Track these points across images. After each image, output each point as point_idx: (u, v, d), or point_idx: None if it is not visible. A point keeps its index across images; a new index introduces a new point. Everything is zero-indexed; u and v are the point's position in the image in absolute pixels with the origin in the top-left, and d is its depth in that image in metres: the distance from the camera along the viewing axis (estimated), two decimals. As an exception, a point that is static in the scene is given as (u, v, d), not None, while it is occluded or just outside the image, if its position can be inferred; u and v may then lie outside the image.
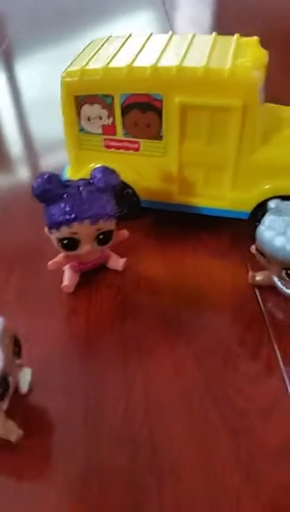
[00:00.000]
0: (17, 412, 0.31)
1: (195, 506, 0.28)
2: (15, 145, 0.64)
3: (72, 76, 0.41)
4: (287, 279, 0.37)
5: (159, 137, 0.42)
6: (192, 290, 0.41)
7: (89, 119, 0.43)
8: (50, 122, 0.64)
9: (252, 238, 0.38)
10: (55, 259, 0.39)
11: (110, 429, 0.32)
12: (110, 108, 0.42)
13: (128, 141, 0.43)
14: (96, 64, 0.41)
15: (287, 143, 0.42)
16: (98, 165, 0.39)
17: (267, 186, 0.42)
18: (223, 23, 0.98)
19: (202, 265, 0.43)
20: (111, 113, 0.42)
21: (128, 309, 0.40)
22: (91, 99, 0.41)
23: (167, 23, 0.96)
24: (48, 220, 0.37)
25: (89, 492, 0.29)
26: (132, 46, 0.44)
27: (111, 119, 0.42)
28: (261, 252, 0.37)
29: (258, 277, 0.41)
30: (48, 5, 1.12)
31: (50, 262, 0.39)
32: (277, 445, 0.30)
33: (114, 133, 0.43)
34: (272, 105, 0.46)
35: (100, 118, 0.42)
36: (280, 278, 0.38)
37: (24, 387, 0.31)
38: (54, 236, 0.37)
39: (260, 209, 0.43)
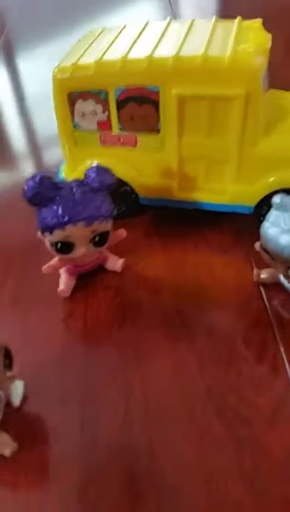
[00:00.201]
0: (10, 423, 0.31)
1: (196, 520, 0.27)
2: (14, 141, 0.63)
3: (64, 72, 0.40)
4: (293, 277, 0.35)
5: (156, 130, 0.41)
6: (194, 289, 0.40)
7: (83, 115, 0.41)
8: (50, 117, 0.63)
9: (256, 233, 0.37)
10: (50, 262, 0.38)
11: (107, 439, 0.31)
12: (104, 102, 0.40)
13: (124, 136, 0.42)
14: (89, 58, 0.40)
15: (292, 132, 0.40)
16: (92, 164, 0.38)
17: (271, 179, 0.41)
18: (228, 7, 0.95)
19: (204, 263, 0.42)
20: (106, 108, 0.40)
21: (127, 311, 0.38)
22: (85, 94, 0.40)
23: (171, 13, 0.94)
24: (40, 223, 0.36)
25: (86, 504, 0.28)
26: (127, 36, 0.42)
27: (106, 114, 0.41)
28: (265, 250, 0.36)
29: (263, 275, 0.39)
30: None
31: (45, 266, 0.38)
32: (283, 455, 0.29)
33: (110, 128, 0.41)
34: (275, 91, 0.44)
35: (95, 113, 0.41)
36: (286, 276, 0.36)
37: (16, 401, 0.31)
38: (47, 240, 0.36)
39: (265, 204, 0.41)
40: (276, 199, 0.36)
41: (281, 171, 0.40)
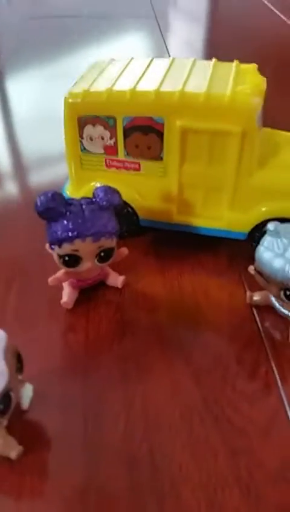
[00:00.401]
0: (15, 428, 0.31)
1: (195, 525, 0.28)
2: (8, 160, 0.65)
3: (76, 97, 0.42)
4: (285, 299, 0.37)
5: (159, 158, 0.43)
6: (190, 309, 0.42)
7: (91, 139, 0.44)
8: (46, 138, 0.66)
9: (249, 258, 0.39)
10: (56, 275, 0.40)
11: (109, 447, 0.32)
12: (112, 129, 0.43)
13: (129, 161, 0.44)
14: (99, 86, 0.42)
15: (284, 167, 0.43)
16: (100, 184, 0.40)
17: (264, 209, 0.43)
18: (216, 46, 1.01)
19: (199, 284, 0.44)
20: (113, 135, 0.43)
21: (126, 327, 0.40)
22: (94, 120, 0.42)
23: (163, 45, 0.99)
24: (49, 236, 0.37)
25: (87, 510, 0.29)
26: (134, 69, 0.45)
27: (113, 140, 0.43)
28: (260, 273, 0.38)
29: (256, 297, 0.41)
30: (42, 23, 1.14)
31: (50, 278, 0.40)
32: (276, 465, 0.31)
33: (115, 154, 0.44)
34: (269, 129, 0.47)
35: (102, 139, 0.43)
36: (278, 298, 0.39)
37: (25, 403, 0.31)
38: (56, 252, 0.38)
39: (257, 230, 0.44)
40: (270, 226, 0.39)
41: (273, 201, 0.43)
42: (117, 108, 0.42)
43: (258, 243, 0.38)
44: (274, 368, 0.37)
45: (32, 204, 0.37)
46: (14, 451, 0.30)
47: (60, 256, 0.38)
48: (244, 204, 0.44)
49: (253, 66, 0.46)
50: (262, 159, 0.43)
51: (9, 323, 0.40)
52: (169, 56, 0.91)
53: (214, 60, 0.46)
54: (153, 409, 0.34)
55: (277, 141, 0.46)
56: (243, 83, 0.42)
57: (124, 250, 0.42)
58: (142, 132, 0.42)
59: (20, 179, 0.61)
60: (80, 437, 0.32)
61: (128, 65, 0.46)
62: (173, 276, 0.45)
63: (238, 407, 0.34)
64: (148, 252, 0.47)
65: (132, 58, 0.48)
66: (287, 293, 0.37)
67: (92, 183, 0.45)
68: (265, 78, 0.44)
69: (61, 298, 0.41)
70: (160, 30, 1.07)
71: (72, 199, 0.39)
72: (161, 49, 0.97)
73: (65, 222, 0.36)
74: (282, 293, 0.37)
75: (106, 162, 0.45)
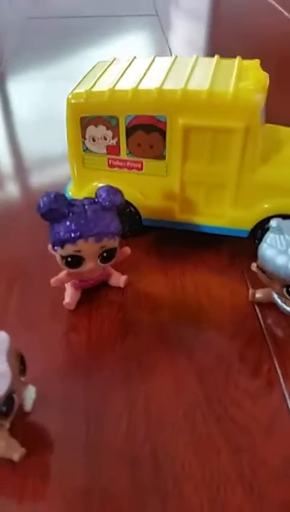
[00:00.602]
0: (17, 430, 0.31)
1: (198, 523, 0.28)
2: (10, 161, 0.65)
3: (78, 98, 0.42)
4: (288, 296, 0.37)
5: (162, 157, 0.43)
6: (192, 307, 0.42)
7: (93, 140, 0.44)
8: (48, 139, 0.66)
9: (251, 255, 0.39)
10: (58, 276, 0.40)
11: (111, 448, 0.32)
12: (115, 129, 0.43)
13: (131, 161, 0.44)
14: (102, 86, 0.42)
15: (286, 163, 0.43)
16: (102, 185, 0.40)
17: (266, 205, 0.43)
18: (218, 43, 1.00)
19: (202, 282, 0.44)
20: (116, 134, 0.43)
21: (129, 326, 0.40)
22: (96, 120, 0.42)
23: (165, 43, 0.99)
24: (52, 237, 0.37)
25: (90, 510, 0.29)
26: (136, 68, 0.45)
27: (116, 140, 0.43)
28: (262, 270, 0.38)
29: (258, 294, 0.41)
30: (44, 24, 1.14)
31: (53, 280, 0.40)
32: (279, 462, 0.31)
33: (118, 153, 0.44)
34: (271, 125, 0.47)
35: (105, 139, 0.43)
36: (281, 295, 0.39)
37: (28, 405, 0.31)
38: (58, 253, 0.38)
39: (259, 228, 0.44)
40: (273, 223, 0.39)
41: (275, 198, 0.43)
42: (119, 108, 0.42)
43: (260, 240, 0.38)
44: (277, 366, 0.37)
45: (34, 205, 0.37)
46: (16, 453, 0.30)
47: (63, 257, 0.38)
48: (246, 201, 0.44)
49: (256, 62, 0.46)
50: (264, 155, 0.43)
51: (11, 324, 0.40)
52: (171, 54, 0.91)
53: (216, 56, 0.46)
54: (155, 408, 0.34)
55: (280, 137, 0.46)
56: (245, 79, 0.42)
57: (127, 250, 0.42)
58: (144, 131, 0.42)
59: (21, 180, 0.61)
60: (82, 438, 0.32)
61: (130, 64, 0.46)
62: (175, 274, 0.45)
63: (241, 405, 0.34)
64: (150, 251, 0.47)
65: (135, 58, 0.48)
66: (290, 290, 0.37)
67: (95, 183, 0.45)
68: (268, 74, 0.44)
69: (63, 299, 0.41)
70: (162, 28, 1.07)
71: (75, 200, 0.39)
72: (163, 47, 0.97)
73: (68, 223, 0.36)
74: (285, 290, 0.37)
75: (108, 162, 0.45)
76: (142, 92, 0.41)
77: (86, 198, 0.39)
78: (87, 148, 0.44)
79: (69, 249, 0.37)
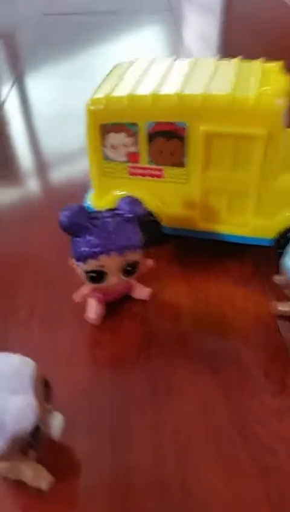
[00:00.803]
0: (44, 455, 0.30)
1: None
2: (26, 160, 0.64)
3: (98, 104, 0.41)
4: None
5: (181, 164, 0.42)
6: (216, 319, 0.41)
7: (113, 148, 0.43)
8: (65, 136, 0.65)
9: (275, 265, 0.38)
10: (81, 291, 0.39)
11: (139, 471, 0.31)
12: (135, 136, 0.42)
13: (152, 168, 0.43)
14: (121, 91, 0.41)
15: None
16: (123, 195, 0.39)
17: (288, 214, 0.42)
18: (232, 39, 0.98)
19: (225, 293, 0.43)
20: (136, 141, 0.42)
21: (153, 340, 0.39)
22: (117, 127, 0.41)
23: (178, 39, 0.97)
24: (74, 253, 0.37)
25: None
26: (156, 71, 0.44)
27: (136, 147, 0.42)
28: (285, 283, 0.37)
29: (281, 307, 0.40)
30: (58, 20, 1.13)
31: (76, 295, 0.39)
32: (310, 485, 0.30)
33: (138, 161, 0.43)
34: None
35: (125, 146, 0.42)
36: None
37: (56, 433, 0.29)
38: (81, 269, 0.37)
39: (282, 237, 0.43)
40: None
41: (299, 206, 0.42)
42: (139, 114, 0.41)
43: (283, 249, 0.37)
44: (302, 381, 0.36)
45: (54, 203, 0.36)
46: (44, 481, 0.29)
47: (86, 272, 0.37)
48: (269, 209, 0.43)
49: (277, 65, 0.44)
50: (286, 161, 0.42)
51: (34, 342, 0.39)
52: (183, 50, 0.90)
53: (237, 59, 0.45)
54: (182, 428, 0.33)
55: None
56: (267, 83, 0.41)
57: (150, 262, 0.41)
58: (164, 138, 0.41)
59: (41, 176, 0.61)
60: (108, 462, 0.32)
61: (150, 66, 0.45)
62: (197, 284, 0.44)
63: (266, 423, 0.33)
64: (172, 261, 0.46)
65: (154, 59, 0.46)
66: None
67: (115, 192, 0.44)
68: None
69: (85, 311, 0.40)
70: (175, 24, 1.05)
71: (96, 211, 0.38)
72: (177, 43, 0.95)
73: (89, 238, 0.35)
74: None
75: (129, 170, 0.44)
76: (162, 97, 0.40)
77: (107, 209, 0.38)
78: (107, 157, 0.43)
79: (92, 264, 0.36)
